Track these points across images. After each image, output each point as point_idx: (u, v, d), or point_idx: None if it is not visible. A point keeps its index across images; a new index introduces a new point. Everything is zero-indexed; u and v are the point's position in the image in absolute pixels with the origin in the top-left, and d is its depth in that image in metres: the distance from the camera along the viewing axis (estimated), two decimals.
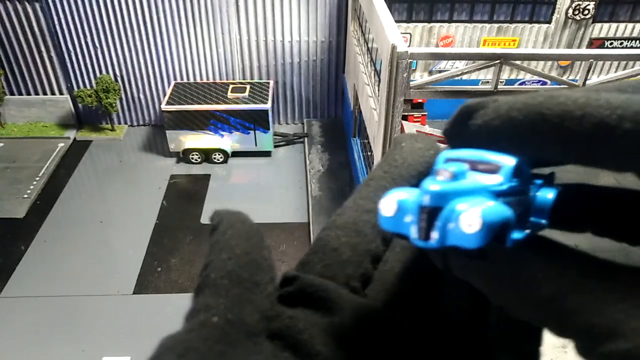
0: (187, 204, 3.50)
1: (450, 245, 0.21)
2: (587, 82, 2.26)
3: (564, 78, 2.60)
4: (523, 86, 2.37)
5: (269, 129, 3.67)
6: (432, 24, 3.79)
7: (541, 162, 0.26)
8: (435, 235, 0.21)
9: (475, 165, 0.24)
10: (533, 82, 3.66)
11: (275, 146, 3.86)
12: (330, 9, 3.79)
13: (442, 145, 0.33)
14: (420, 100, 3.81)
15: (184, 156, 3.76)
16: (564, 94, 0.23)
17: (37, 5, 3.71)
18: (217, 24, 3.82)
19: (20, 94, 4.09)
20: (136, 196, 3.52)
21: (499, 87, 2.19)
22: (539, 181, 0.26)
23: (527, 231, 0.24)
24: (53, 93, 4.10)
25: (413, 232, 0.22)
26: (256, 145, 3.75)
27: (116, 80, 3.96)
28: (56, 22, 3.78)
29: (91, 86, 3.97)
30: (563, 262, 0.23)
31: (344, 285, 0.29)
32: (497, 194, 0.23)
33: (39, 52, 3.90)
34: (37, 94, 4.09)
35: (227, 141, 3.76)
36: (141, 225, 3.28)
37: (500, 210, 0.21)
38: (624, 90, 0.24)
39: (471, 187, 0.22)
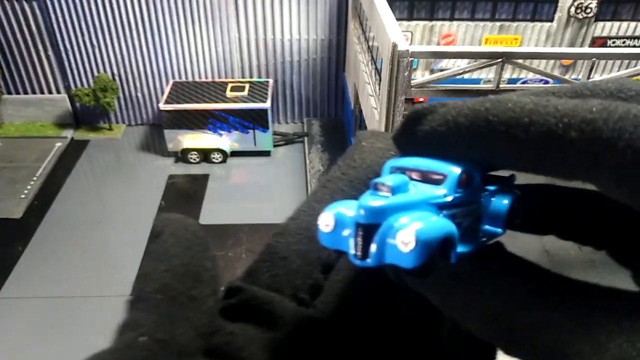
0: (186, 204, 3.47)
1: (388, 264, 0.20)
2: (590, 81, 2.23)
3: (567, 77, 2.58)
4: (525, 85, 2.34)
5: (268, 128, 3.64)
6: (434, 22, 3.77)
7: (496, 166, 0.25)
8: (372, 251, 0.20)
9: (424, 175, 0.23)
10: (535, 81, 3.63)
11: (275, 146, 3.83)
12: (331, 7, 3.76)
13: None
14: (421, 100, 3.79)
15: (182, 156, 3.73)
16: (512, 99, 0.23)
17: (35, 4, 3.68)
18: (215, 22, 3.79)
19: (17, 93, 4.06)
20: (134, 196, 3.50)
21: (500, 85, 2.17)
22: (492, 187, 0.25)
23: (474, 244, 0.23)
24: (50, 92, 4.08)
25: (351, 249, 0.21)
26: (255, 144, 3.72)
27: (114, 79, 3.93)
28: (54, 20, 3.76)
29: (89, 85, 3.94)
30: (511, 276, 0.22)
31: (291, 297, 0.28)
32: (440, 207, 0.22)
33: (37, 50, 3.88)
34: (34, 93, 4.07)
35: (226, 140, 3.73)
36: (139, 226, 3.26)
37: (440, 225, 0.20)
38: (579, 94, 0.24)
39: (411, 201, 0.21)
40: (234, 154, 3.79)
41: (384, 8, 2.32)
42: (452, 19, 3.79)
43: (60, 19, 3.74)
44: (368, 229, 0.20)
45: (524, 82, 3.64)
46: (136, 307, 0.24)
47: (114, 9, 3.72)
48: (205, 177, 3.68)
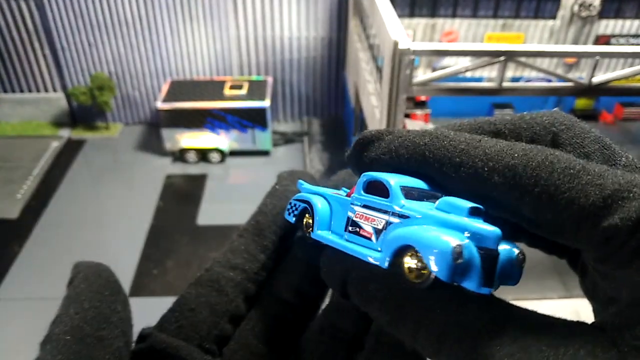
0: (184, 204, 3.44)
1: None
2: (593, 79, 2.21)
3: (570, 75, 2.55)
4: (528, 83, 2.30)
5: (267, 127, 3.61)
6: (435, 20, 3.73)
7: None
8: (496, 277, 0.23)
9: (420, 193, 0.27)
10: (538, 80, 3.60)
11: (274, 145, 3.80)
12: (331, 4, 3.72)
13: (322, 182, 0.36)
14: (423, 98, 3.75)
15: (180, 155, 3.70)
16: (449, 137, 0.25)
17: (32, 2, 3.65)
18: (214, 19, 3.76)
19: (13, 91, 4.04)
20: (131, 196, 3.47)
21: (503, 84, 2.14)
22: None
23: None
24: (47, 91, 4.05)
25: (472, 279, 0.23)
26: (254, 144, 3.69)
27: (111, 77, 3.90)
28: (50, 18, 3.72)
29: (85, 84, 3.91)
30: (471, 306, 0.24)
31: (197, 346, 0.30)
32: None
33: (33, 49, 3.85)
34: (30, 91, 4.04)
35: (224, 140, 3.70)
36: (136, 226, 3.23)
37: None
38: (516, 127, 0.26)
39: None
40: (233, 153, 3.75)
41: (385, 5, 2.29)
42: (454, 16, 3.75)
43: (57, 17, 3.71)
44: (496, 257, 0.23)
45: (527, 81, 3.60)
46: (44, 349, 0.25)
47: (111, 7, 3.68)
48: (203, 177, 3.64)
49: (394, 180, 0.27)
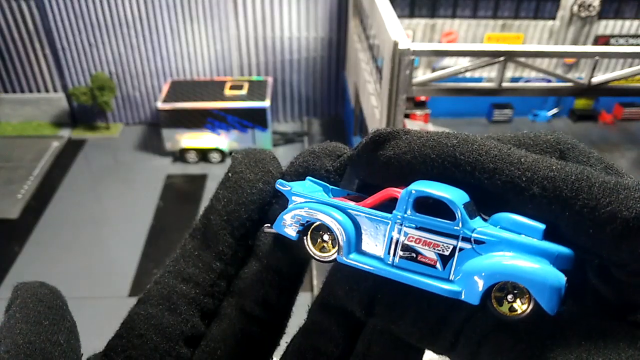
0: (184, 204, 3.44)
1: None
2: (592, 79, 2.22)
3: (569, 75, 2.55)
4: (528, 84, 2.31)
5: (267, 128, 3.61)
6: (435, 20, 3.74)
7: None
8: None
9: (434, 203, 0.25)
10: (538, 80, 3.60)
11: (274, 145, 3.80)
12: (331, 5, 3.73)
13: (284, 165, 0.31)
14: (423, 98, 3.75)
15: (180, 155, 3.70)
16: (477, 141, 0.24)
17: (32, 2, 3.65)
18: (214, 19, 3.76)
19: (14, 91, 4.04)
20: (132, 196, 3.47)
21: (503, 84, 2.14)
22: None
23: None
24: (47, 91, 4.05)
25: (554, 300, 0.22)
26: (254, 144, 3.69)
27: (111, 77, 3.91)
28: (51, 19, 3.73)
29: (86, 84, 3.92)
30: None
31: None
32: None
33: (34, 49, 3.85)
34: (31, 91, 4.04)
35: (224, 140, 3.70)
36: (137, 226, 3.23)
37: None
38: (522, 144, 0.25)
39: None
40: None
41: (385, 6, 2.29)
42: (454, 16, 3.75)
43: (58, 18, 3.71)
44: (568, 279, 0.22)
45: (526, 81, 3.61)
46: None
47: (111, 7, 3.69)
48: (203, 177, 3.65)
49: (458, 198, 0.24)
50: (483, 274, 0.23)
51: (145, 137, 4.05)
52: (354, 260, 0.26)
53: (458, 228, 0.24)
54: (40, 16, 3.71)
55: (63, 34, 3.79)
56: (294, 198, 0.28)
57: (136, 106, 4.12)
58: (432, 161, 0.24)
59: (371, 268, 0.26)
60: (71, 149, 3.88)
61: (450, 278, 0.24)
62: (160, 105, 3.56)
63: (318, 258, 0.27)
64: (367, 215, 0.26)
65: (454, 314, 0.26)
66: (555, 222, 0.23)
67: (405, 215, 0.25)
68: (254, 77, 3.91)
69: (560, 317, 0.23)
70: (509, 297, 0.23)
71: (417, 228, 0.25)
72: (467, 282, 0.23)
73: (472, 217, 0.24)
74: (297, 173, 0.30)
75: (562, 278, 0.22)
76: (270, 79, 3.81)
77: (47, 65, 3.93)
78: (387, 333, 0.28)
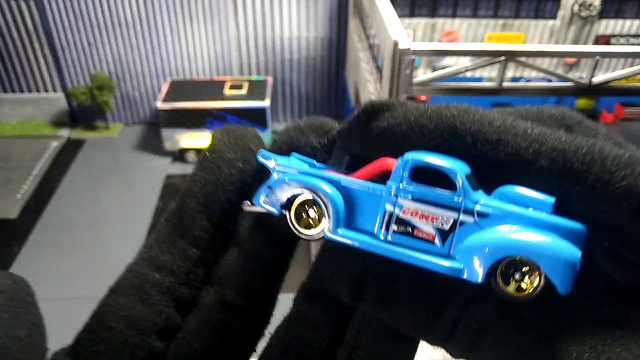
0: None
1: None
2: (593, 79, 2.21)
3: (570, 75, 2.55)
4: (528, 83, 2.31)
5: (267, 128, 3.61)
6: (435, 20, 3.73)
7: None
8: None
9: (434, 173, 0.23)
10: (538, 80, 3.60)
11: None
12: (331, 4, 3.72)
13: (261, 146, 0.29)
14: (423, 98, 3.74)
15: (180, 155, 3.70)
16: (479, 112, 0.22)
17: (32, 2, 3.65)
18: (214, 19, 3.76)
19: (13, 91, 4.03)
20: (131, 196, 3.46)
21: (503, 84, 2.13)
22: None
23: None
24: (47, 91, 4.05)
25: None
26: None
27: (111, 77, 3.90)
28: (50, 18, 3.72)
29: (85, 84, 3.91)
30: None
31: None
32: None
33: (33, 49, 3.85)
34: (30, 91, 4.04)
35: None
36: (136, 226, 3.23)
37: None
38: (526, 118, 0.23)
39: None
40: None
41: (386, 5, 2.29)
42: (454, 16, 3.75)
43: (57, 17, 3.70)
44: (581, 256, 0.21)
45: (527, 81, 3.60)
46: None
47: (111, 7, 3.68)
48: None
49: (458, 168, 0.22)
50: (487, 248, 0.21)
51: (144, 137, 4.05)
52: (342, 235, 0.24)
53: (459, 200, 0.22)
54: (40, 16, 3.71)
55: (62, 34, 3.78)
56: (277, 170, 0.26)
57: (135, 106, 4.12)
58: (430, 132, 0.22)
59: (364, 243, 0.23)
60: (70, 149, 3.88)
61: (450, 254, 0.22)
62: (160, 105, 3.55)
63: (303, 236, 0.25)
64: (358, 187, 0.24)
65: (451, 299, 0.23)
66: (564, 197, 0.21)
67: (401, 186, 0.23)
68: (254, 77, 3.91)
69: (569, 303, 0.21)
70: (517, 275, 0.21)
71: (413, 199, 0.23)
72: (469, 259, 0.21)
73: (474, 189, 0.22)
74: (280, 150, 0.27)
75: (577, 252, 0.20)
76: (270, 79, 3.80)
77: (46, 65, 3.93)
78: (377, 322, 0.26)
